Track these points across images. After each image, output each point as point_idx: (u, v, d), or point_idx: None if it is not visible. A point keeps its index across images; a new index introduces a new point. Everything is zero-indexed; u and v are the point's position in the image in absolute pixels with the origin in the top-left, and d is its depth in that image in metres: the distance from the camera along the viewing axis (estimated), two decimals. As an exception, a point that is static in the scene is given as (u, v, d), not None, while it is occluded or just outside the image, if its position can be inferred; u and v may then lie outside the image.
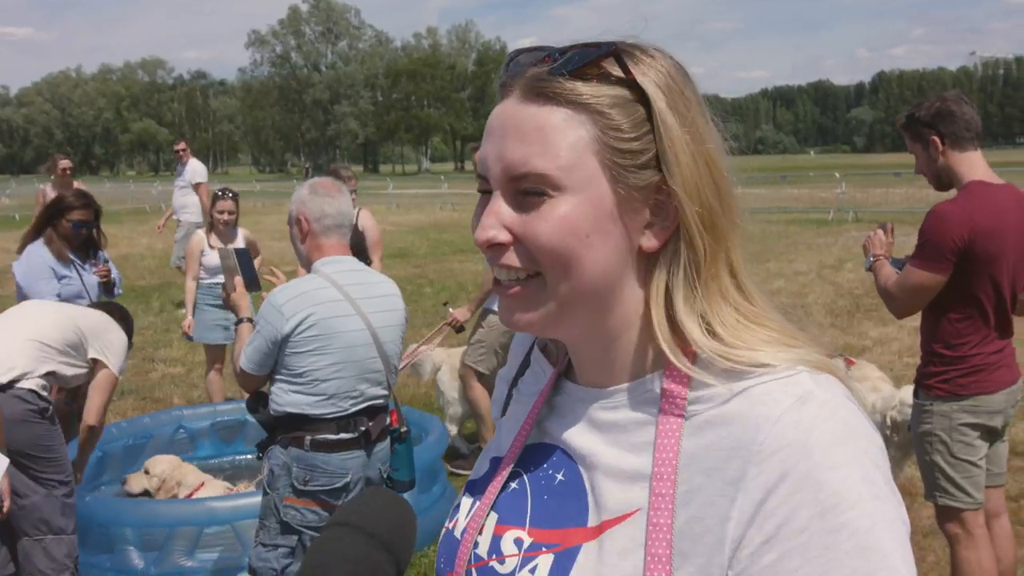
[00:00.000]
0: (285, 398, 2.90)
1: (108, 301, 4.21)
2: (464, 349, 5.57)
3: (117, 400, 6.71)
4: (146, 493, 4.38)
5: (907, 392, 3.76)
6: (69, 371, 3.51)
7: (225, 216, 6.12)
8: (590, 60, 0.77)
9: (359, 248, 5.16)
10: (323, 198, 3.00)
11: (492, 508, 0.88)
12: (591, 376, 0.86)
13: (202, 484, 4.45)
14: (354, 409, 2.95)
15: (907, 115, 3.12)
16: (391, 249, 13.90)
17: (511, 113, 0.79)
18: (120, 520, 3.97)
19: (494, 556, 0.85)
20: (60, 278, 4.41)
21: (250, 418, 3.22)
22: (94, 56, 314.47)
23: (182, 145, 11.01)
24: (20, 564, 3.37)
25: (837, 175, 23.67)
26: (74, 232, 4.46)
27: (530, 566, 0.81)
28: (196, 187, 10.54)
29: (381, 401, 3.06)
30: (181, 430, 5.53)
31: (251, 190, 39.64)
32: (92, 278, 4.62)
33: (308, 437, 2.88)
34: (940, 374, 3.05)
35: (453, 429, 5.76)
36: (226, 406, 5.83)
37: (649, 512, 0.75)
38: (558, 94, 0.77)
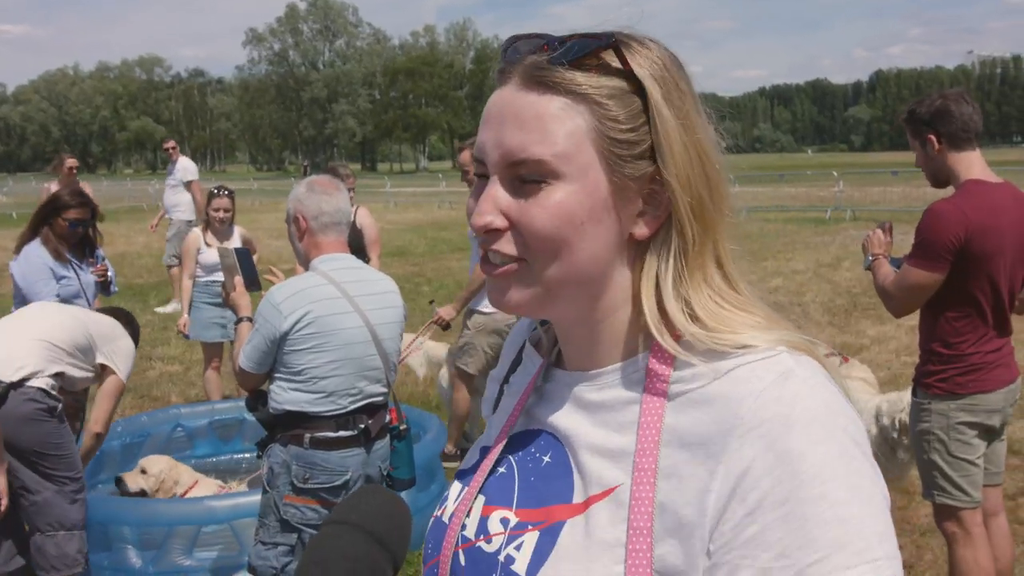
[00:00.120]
0: (284, 396, 2.90)
1: (116, 307, 4.21)
2: (448, 348, 5.58)
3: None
4: (142, 492, 4.38)
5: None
6: (77, 373, 3.53)
7: (221, 214, 6.09)
8: (589, 51, 0.78)
9: (357, 246, 5.16)
10: (321, 196, 3.00)
11: (480, 492, 0.89)
12: (579, 360, 0.88)
13: (195, 483, 4.47)
14: (353, 407, 2.95)
15: (908, 111, 3.12)
16: (389, 247, 13.89)
17: (510, 100, 0.80)
18: (118, 519, 3.97)
19: (481, 536, 0.86)
20: (59, 279, 4.39)
21: (248, 416, 3.22)
22: (91, 54, 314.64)
23: (172, 143, 10.96)
24: (32, 559, 3.40)
25: (835, 174, 23.62)
26: (71, 231, 4.44)
27: (516, 543, 0.82)
28: (187, 185, 10.53)
29: (380, 399, 3.06)
30: (179, 428, 5.52)
31: (249, 188, 39.52)
32: (89, 278, 4.60)
33: (307, 435, 2.88)
34: (938, 373, 3.05)
35: (452, 428, 5.76)
36: (224, 404, 5.82)
37: (632, 487, 0.77)
38: (557, 83, 0.78)
